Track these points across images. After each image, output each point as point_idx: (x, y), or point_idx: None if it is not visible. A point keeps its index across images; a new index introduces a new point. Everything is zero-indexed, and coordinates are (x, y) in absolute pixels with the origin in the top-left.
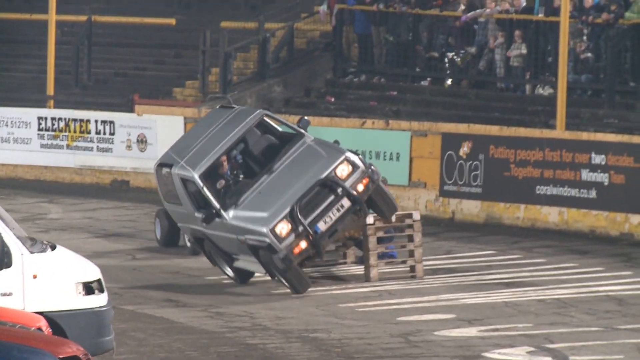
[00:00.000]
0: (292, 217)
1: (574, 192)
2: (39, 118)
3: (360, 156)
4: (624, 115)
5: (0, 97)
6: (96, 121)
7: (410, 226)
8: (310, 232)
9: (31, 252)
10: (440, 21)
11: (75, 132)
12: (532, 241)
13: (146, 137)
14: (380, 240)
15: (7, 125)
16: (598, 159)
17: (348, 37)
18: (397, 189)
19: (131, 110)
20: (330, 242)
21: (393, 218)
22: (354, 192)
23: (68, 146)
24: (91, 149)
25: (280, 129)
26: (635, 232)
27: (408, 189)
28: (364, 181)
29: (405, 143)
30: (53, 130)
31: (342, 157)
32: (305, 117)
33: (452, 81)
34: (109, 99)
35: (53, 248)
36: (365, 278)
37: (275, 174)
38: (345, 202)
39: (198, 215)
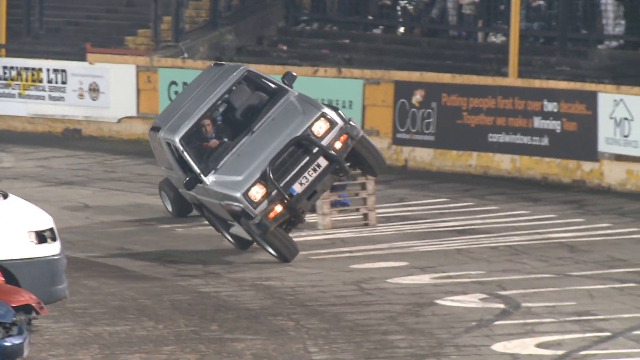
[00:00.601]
0: (265, 180)
1: (526, 139)
2: None
3: (340, 111)
4: (575, 63)
5: None
6: (48, 70)
7: (361, 179)
8: (285, 195)
9: None
10: None
11: (27, 80)
12: (485, 189)
13: (98, 85)
14: (333, 188)
15: None
16: (550, 106)
17: None
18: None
19: (83, 59)
20: (310, 205)
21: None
22: (331, 151)
23: (20, 95)
24: (43, 98)
25: (273, 84)
26: (587, 179)
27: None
28: (342, 138)
29: (358, 91)
30: (5, 79)
31: (318, 114)
32: (292, 72)
33: (404, 29)
34: (61, 48)
35: (5, 197)
36: (319, 226)
37: (255, 134)
38: (322, 162)
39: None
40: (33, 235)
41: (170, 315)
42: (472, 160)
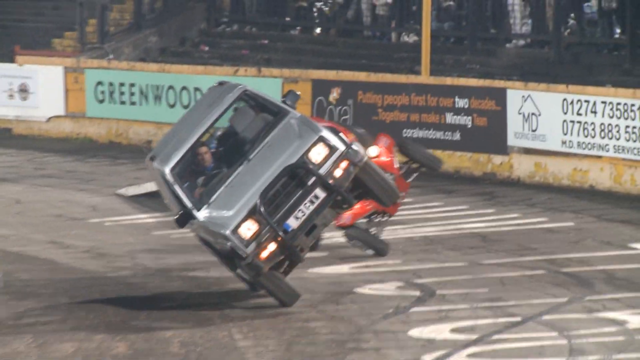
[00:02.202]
0: (257, 215)
1: (439, 134)
2: None
3: (342, 135)
4: (485, 61)
5: None
6: None
7: None
8: (279, 231)
9: None
10: None
11: None
12: None
13: (28, 86)
14: None
15: None
16: (461, 102)
17: None
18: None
19: (12, 61)
20: (310, 241)
21: None
22: (330, 180)
23: None
24: None
25: (272, 105)
26: (498, 172)
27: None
28: (343, 165)
29: (277, 89)
30: None
31: (316, 138)
32: (296, 91)
33: (320, 30)
34: None
35: None
36: None
37: (251, 162)
38: (321, 192)
39: None
40: None
41: (100, 306)
42: None
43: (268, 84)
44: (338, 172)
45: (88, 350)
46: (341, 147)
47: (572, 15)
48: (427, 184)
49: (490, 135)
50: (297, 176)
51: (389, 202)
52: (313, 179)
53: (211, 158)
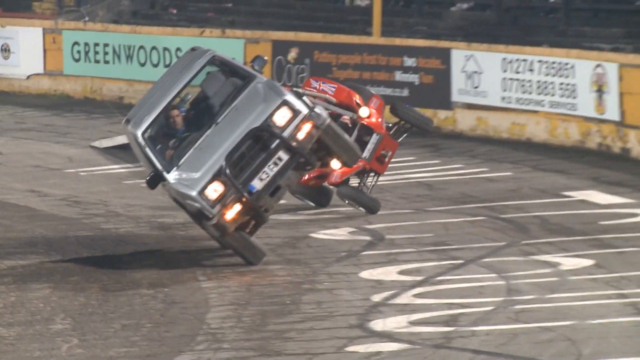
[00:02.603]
0: (223, 177)
1: (389, 91)
2: None
3: (306, 97)
4: (431, 23)
5: None
6: None
7: None
8: (243, 192)
9: None
10: None
11: None
12: None
13: (9, 46)
14: None
15: None
16: (409, 61)
17: None
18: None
19: None
20: (275, 201)
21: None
22: (293, 142)
23: None
24: None
25: (241, 70)
26: (443, 126)
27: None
28: (306, 128)
29: (240, 49)
30: None
31: (280, 101)
32: (263, 57)
33: None
34: None
35: None
36: None
37: (219, 125)
38: (283, 155)
39: None
40: None
41: (75, 250)
42: None
43: (231, 45)
44: (301, 135)
45: (63, 290)
46: (304, 111)
47: None
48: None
49: (435, 92)
50: (262, 139)
51: (350, 163)
52: (277, 141)
53: (182, 121)
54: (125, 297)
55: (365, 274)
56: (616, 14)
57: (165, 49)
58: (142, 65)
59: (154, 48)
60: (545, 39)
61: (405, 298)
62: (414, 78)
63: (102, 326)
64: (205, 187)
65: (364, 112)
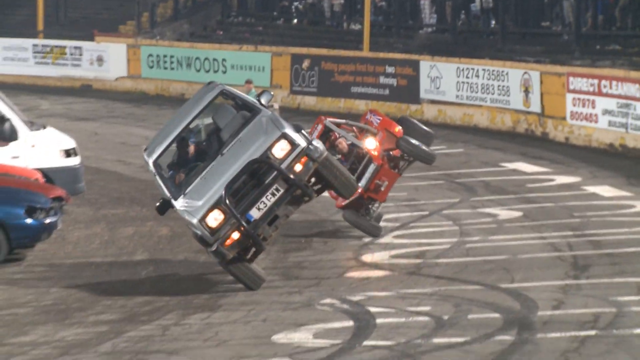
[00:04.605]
0: (223, 206)
1: (375, 90)
2: (34, 45)
3: (304, 132)
4: (405, 42)
5: (8, 31)
6: (70, 47)
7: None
8: (241, 220)
9: (30, 130)
10: None
11: (57, 53)
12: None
13: (102, 57)
14: None
15: (13, 49)
16: (390, 69)
17: None
18: (263, 89)
19: (93, 40)
20: (273, 230)
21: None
22: (290, 174)
23: (52, 63)
24: (67, 65)
25: (247, 104)
26: (413, 115)
27: (270, 89)
28: (303, 160)
29: (268, 60)
30: (43, 53)
31: (278, 134)
32: (269, 91)
33: (297, 20)
34: (78, 33)
35: (44, 127)
36: None
37: (224, 156)
38: (282, 185)
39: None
40: (62, 152)
41: (151, 203)
42: (340, 104)
43: (261, 57)
44: (298, 167)
45: (142, 232)
46: (302, 144)
47: (463, 11)
48: None
49: (408, 91)
50: (260, 170)
51: (347, 194)
52: (274, 172)
53: (194, 151)
54: (186, 238)
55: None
56: (537, 36)
57: (214, 59)
58: (198, 71)
59: (206, 59)
60: (486, 54)
61: (387, 238)
62: (392, 81)
63: (170, 257)
64: (205, 215)
65: (369, 143)
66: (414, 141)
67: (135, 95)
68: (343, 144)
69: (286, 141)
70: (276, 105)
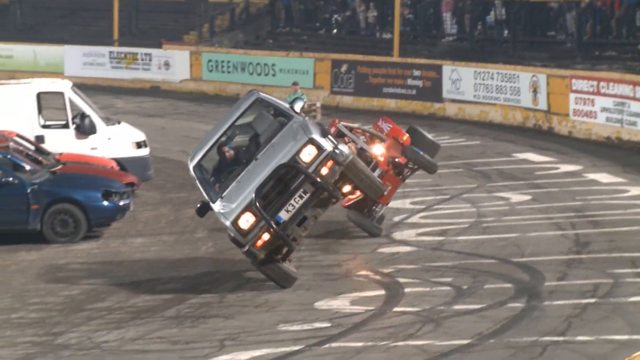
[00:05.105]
0: (254, 208)
1: (403, 91)
2: (110, 52)
3: (330, 137)
4: (430, 49)
5: (88, 40)
6: (141, 53)
7: (315, 110)
8: (270, 222)
9: (107, 125)
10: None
11: (130, 59)
12: (376, 119)
13: (169, 62)
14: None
15: (92, 56)
16: (416, 72)
17: (279, 6)
18: (307, 90)
19: (160, 47)
20: (302, 231)
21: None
22: (317, 177)
23: (126, 67)
24: (138, 69)
25: (281, 110)
26: (436, 113)
27: (313, 90)
28: (329, 164)
29: (311, 65)
30: (117, 58)
31: (306, 139)
32: (301, 98)
33: (336, 30)
34: (148, 41)
35: (119, 123)
36: None
37: (258, 161)
38: (309, 188)
39: None
40: (134, 144)
41: None
42: (374, 103)
43: (306, 62)
44: (324, 170)
45: None
46: (328, 148)
47: (480, 22)
48: (396, 119)
49: (432, 91)
50: (289, 174)
51: (373, 196)
52: (302, 176)
53: (232, 156)
54: None
55: (390, 204)
56: (544, 44)
57: (264, 64)
58: (251, 74)
59: (257, 63)
60: (500, 59)
61: (414, 219)
62: (419, 83)
63: (226, 235)
64: (237, 218)
65: (377, 149)
66: (418, 151)
67: (196, 95)
68: (352, 148)
69: (313, 146)
70: (318, 104)
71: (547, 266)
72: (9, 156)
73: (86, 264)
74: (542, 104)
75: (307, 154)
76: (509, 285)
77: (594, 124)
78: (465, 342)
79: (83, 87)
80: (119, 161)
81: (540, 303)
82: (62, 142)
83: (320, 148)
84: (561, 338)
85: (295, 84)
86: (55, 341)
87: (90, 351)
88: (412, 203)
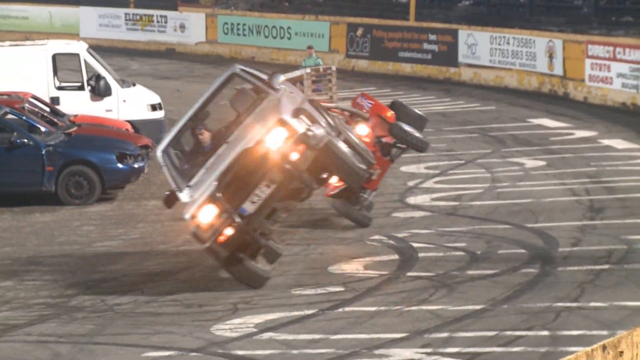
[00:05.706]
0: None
1: (419, 55)
2: (125, 13)
3: (303, 117)
4: (446, 13)
5: (103, 1)
6: (157, 15)
7: (330, 74)
8: (234, 215)
9: (122, 87)
10: None
11: (145, 21)
12: (395, 82)
13: (184, 24)
14: (313, 82)
15: (108, 17)
16: (432, 37)
17: None
18: (322, 53)
19: (176, 10)
20: (270, 224)
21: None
22: (286, 164)
23: (141, 29)
24: (154, 31)
25: (259, 84)
26: (452, 77)
27: (329, 54)
28: (300, 148)
29: (327, 28)
30: (133, 20)
31: (275, 119)
32: (278, 74)
33: None
34: (164, 3)
35: (134, 85)
36: None
37: (229, 143)
38: (277, 176)
39: None
40: (149, 107)
41: None
42: (389, 66)
43: (322, 25)
44: (294, 156)
45: None
46: (300, 130)
47: None
48: (410, 84)
49: (448, 55)
50: (255, 159)
51: (353, 184)
52: (269, 162)
53: (209, 138)
54: None
55: (404, 169)
56: (561, 8)
57: (280, 27)
58: (266, 37)
59: (273, 27)
60: (516, 24)
61: (428, 183)
62: (434, 47)
63: None
64: (197, 210)
65: (360, 130)
66: (407, 128)
67: (212, 57)
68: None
69: (283, 127)
70: (334, 68)
71: (561, 232)
72: (24, 117)
73: (100, 226)
74: (558, 69)
75: (275, 137)
76: (522, 250)
77: (609, 89)
78: (478, 307)
79: (98, 48)
80: (133, 123)
81: (553, 269)
82: (77, 104)
83: (291, 130)
84: (574, 304)
85: (310, 47)
86: (69, 303)
87: (104, 313)
88: (426, 168)
